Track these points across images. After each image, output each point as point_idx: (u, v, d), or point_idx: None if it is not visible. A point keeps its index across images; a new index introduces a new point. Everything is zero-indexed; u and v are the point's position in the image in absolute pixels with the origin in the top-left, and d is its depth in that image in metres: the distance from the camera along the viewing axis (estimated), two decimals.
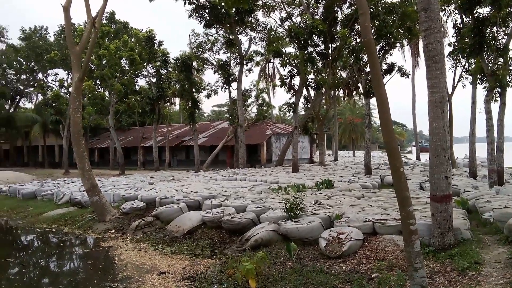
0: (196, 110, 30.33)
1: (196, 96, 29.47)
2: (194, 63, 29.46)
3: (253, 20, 27.97)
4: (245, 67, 30.62)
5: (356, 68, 20.29)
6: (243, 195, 12.41)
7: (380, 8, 18.78)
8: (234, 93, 30.81)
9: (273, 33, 27.70)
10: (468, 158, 17.87)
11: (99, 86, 34.48)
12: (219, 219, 9.14)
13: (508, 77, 12.59)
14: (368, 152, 19.59)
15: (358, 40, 20.08)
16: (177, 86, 31.00)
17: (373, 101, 22.87)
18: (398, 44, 21.64)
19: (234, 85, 30.01)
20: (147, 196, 12.63)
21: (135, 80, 36.08)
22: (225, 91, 31.57)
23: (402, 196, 4.79)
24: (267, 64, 43.75)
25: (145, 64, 32.00)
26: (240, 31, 28.78)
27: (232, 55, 29.89)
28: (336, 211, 8.73)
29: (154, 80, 32.80)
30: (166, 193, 13.16)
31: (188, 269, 7.12)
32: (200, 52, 30.53)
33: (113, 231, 10.73)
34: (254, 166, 29.70)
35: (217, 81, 31.15)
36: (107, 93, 33.23)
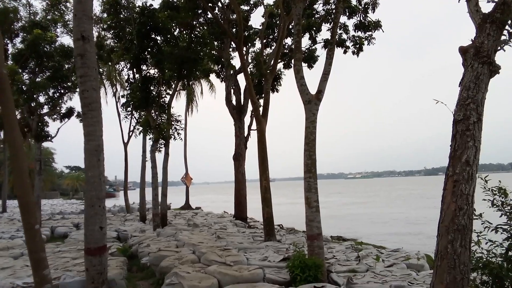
0: None
1: None
2: None
3: None
4: None
5: (27, 108, 18.14)
6: None
7: (57, 49, 17.75)
8: None
9: None
10: (139, 203, 18.96)
11: None
12: None
13: (170, 130, 14.39)
14: (38, 201, 17.41)
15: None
16: None
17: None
18: (77, 90, 21.02)
19: None
20: None
21: None
22: None
23: (37, 258, 4.15)
24: None
25: None
26: None
27: None
28: None
29: None
30: None
31: None
32: None
33: None
34: None
35: None
36: None
